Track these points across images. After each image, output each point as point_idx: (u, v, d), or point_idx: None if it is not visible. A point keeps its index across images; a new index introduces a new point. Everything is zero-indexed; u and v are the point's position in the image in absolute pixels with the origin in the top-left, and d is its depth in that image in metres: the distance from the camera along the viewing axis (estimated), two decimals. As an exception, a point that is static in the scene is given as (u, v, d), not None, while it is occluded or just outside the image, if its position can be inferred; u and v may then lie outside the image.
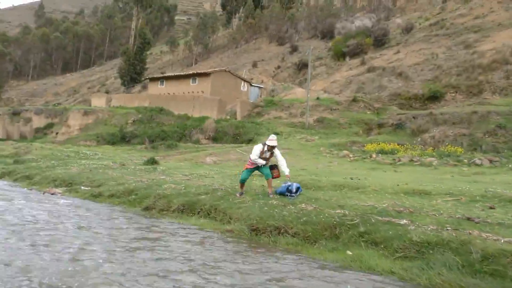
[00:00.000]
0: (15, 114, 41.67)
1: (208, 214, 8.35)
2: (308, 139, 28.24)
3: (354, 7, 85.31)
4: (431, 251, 5.27)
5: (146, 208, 9.33)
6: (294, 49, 64.02)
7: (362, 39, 51.50)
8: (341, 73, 46.67)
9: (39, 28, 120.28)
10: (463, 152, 19.96)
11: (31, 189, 12.68)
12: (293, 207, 7.42)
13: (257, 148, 8.49)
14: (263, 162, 8.46)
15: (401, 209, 6.72)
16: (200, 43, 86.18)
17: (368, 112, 34.16)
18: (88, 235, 6.52)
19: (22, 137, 36.61)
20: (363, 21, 59.95)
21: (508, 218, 5.97)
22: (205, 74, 42.83)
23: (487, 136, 26.13)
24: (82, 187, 12.24)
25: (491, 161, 16.20)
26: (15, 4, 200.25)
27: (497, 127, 26.45)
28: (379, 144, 23.03)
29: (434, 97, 33.57)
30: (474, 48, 39.17)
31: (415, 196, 7.97)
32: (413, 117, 30.84)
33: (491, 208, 6.63)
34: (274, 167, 8.60)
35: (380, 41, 51.90)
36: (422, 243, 5.43)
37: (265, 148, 8.35)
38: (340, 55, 51.89)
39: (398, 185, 8.96)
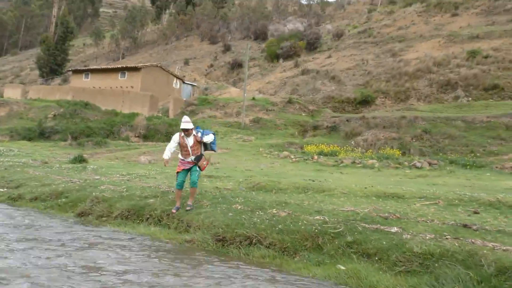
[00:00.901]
0: None
1: (159, 220, 7.14)
2: (245, 139, 27.51)
3: (285, 11, 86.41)
4: (436, 264, 4.62)
5: (81, 214, 7.84)
6: (227, 49, 63.17)
7: (295, 41, 52.02)
8: (275, 74, 46.67)
9: None
10: (400, 155, 20.36)
11: None
12: (263, 213, 6.48)
13: (174, 137, 7.27)
14: (191, 157, 7.09)
15: (386, 214, 6.07)
16: (128, 37, 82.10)
17: (303, 114, 34.25)
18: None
19: None
20: (295, 24, 60.77)
21: (504, 225, 5.54)
22: (135, 69, 40.42)
23: (414, 140, 27.21)
24: (-3, 189, 10.27)
25: (430, 164, 16.54)
26: None
27: (423, 132, 27.65)
28: (318, 146, 22.87)
29: (366, 101, 34.56)
30: (400, 57, 41.10)
31: (390, 200, 7.41)
32: (347, 120, 31.40)
33: (475, 213, 6.22)
34: (200, 157, 7.17)
35: (313, 45, 52.81)
36: (424, 254, 4.77)
37: (183, 134, 7.11)
38: (273, 57, 51.99)
39: (365, 187, 8.38)
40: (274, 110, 34.46)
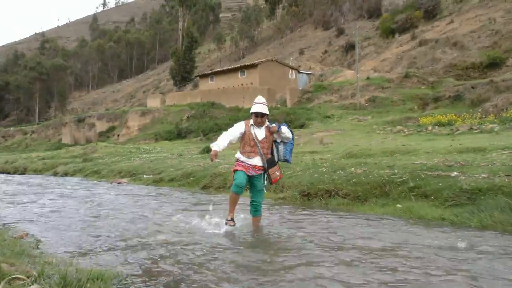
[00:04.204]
0: (80, 121, 44.57)
1: (262, 186, 8.71)
2: (360, 119, 27.84)
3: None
4: (482, 197, 5.27)
5: (204, 187, 9.88)
6: (341, 32, 62.81)
7: (411, 13, 49.51)
8: (391, 50, 45.25)
9: (95, 40, 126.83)
10: (527, 115, 18.80)
11: (100, 181, 13.74)
12: (342, 172, 7.58)
13: (238, 125, 5.14)
14: (258, 159, 4.99)
15: (452, 163, 6.68)
16: (246, 37, 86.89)
17: (422, 87, 32.96)
18: (141, 207, 7.12)
19: (88, 142, 39.09)
20: (411, -6, 57.44)
21: None
22: (253, 66, 43.29)
23: (555, 100, 24.44)
24: (145, 176, 13.08)
25: (559, 122, 15.21)
26: (71, 20, 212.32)
27: None
28: (435, 116, 22.23)
29: (494, 64, 31.72)
30: (535, 8, 36.47)
31: (469, 153, 7.83)
32: (472, 87, 29.37)
33: (549, 156, 6.41)
34: (273, 163, 5.08)
35: (432, 13, 49.60)
36: (472, 190, 5.43)
37: (251, 122, 5.06)
38: (388, 33, 50.24)
39: (451, 145, 8.80)
40: (390, 87, 33.85)
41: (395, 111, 30.00)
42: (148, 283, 3.01)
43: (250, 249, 4.09)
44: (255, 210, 5.21)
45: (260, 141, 4.96)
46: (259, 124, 4.99)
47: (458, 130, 17.90)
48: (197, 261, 3.61)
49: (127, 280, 3.00)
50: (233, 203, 5.07)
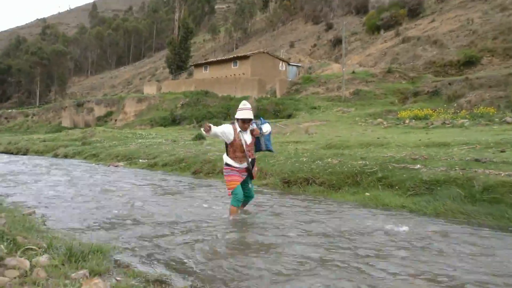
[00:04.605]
0: (79, 105, 44.38)
1: (247, 173, 9.06)
2: (344, 111, 28.25)
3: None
4: (439, 188, 5.67)
5: (194, 172, 10.19)
6: (329, 27, 62.88)
7: (396, 11, 49.75)
8: (376, 46, 45.54)
9: (94, 28, 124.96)
10: (495, 112, 19.34)
11: (98, 164, 13.98)
12: (320, 162, 7.95)
13: (226, 129, 5.00)
14: (244, 162, 5.02)
15: (417, 157, 7.08)
16: (239, 28, 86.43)
17: (403, 82, 33.40)
18: (141, 188, 7.44)
19: (87, 126, 39.01)
20: (397, -7, 57.53)
21: (513, 158, 6.20)
22: (245, 57, 43.31)
23: (524, 97, 25.01)
24: (140, 160, 13.35)
25: (522, 119, 15.74)
26: (72, 7, 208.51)
27: (534, 88, 25.23)
28: (413, 111, 22.71)
29: (470, 62, 32.25)
30: (511, 11, 36.90)
31: (434, 147, 8.24)
32: (449, 83, 29.86)
33: (502, 151, 6.83)
34: (254, 162, 5.18)
35: (415, 12, 49.88)
36: (431, 181, 5.84)
37: (238, 129, 4.99)
38: (374, 29, 50.49)
39: (420, 140, 9.21)
40: (374, 81, 34.23)
41: (377, 104, 30.44)
42: (140, 255, 3.35)
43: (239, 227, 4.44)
44: (250, 197, 5.34)
45: (248, 145, 5.00)
46: (245, 129, 4.99)
47: (432, 124, 18.39)
48: (181, 239, 3.96)
49: (122, 253, 3.34)
50: (235, 214, 5.09)
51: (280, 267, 3.13)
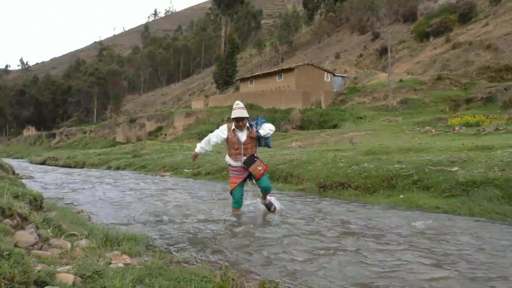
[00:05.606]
0: (132, 121, 46.66)
1: (285, 179, 9.22)
2: (391, 120, 27.62)
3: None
4: (475, 189, 5.55)
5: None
6: (376, 36, 61.88)
7: (446, 16, 48.11)
8: (425, 53, 44.22)
9: (146, 48, 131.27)
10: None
11: (146, 174, 14.71)
12: (356, 167, 7.96)
13: (221, 129, 5.37)
14: (240, 160, 5.23)
15: (456, 159, 6.92)
16: (285, 42, 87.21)
17: (455, 89, 32.12)
18: (182, 194, 7.82)
19: (138, 140, 40.91)
20: (446, -2, 55.72)
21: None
22: (290, 70, 43.64)
23: None
24: (185, 170, 13.90)
25: None
26: (126, 29, 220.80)
27: None
28: (463, 117, 21.79)
29: (528, 66, 30.48)
30: None
31: (477, 151, 7.98)
32: (505, 89, 28.36)
33: (549, 153, 6.52)
34: (252, 160, 5.22)
35: (466, 16, 47.97)
36: (467, 183, 5.72)
37: (233, 127, 5.25)
38: (423, 36, 49.09)
39: (463, 144, 8.94)
40: (422, 89, 33.24)
41: (426, 112, 29.48)
42: (168, 243, 3.64)
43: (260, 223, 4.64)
44: (266, 188, 5.40)
45: (243, 143, 5.19)
46: (240, 128, 5.19)
47: (484, 130, 17.55)
48: (211, 234, 4.21)
49: (154, 241, 3.64)
50: (237, 215, 5.28)
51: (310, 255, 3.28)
